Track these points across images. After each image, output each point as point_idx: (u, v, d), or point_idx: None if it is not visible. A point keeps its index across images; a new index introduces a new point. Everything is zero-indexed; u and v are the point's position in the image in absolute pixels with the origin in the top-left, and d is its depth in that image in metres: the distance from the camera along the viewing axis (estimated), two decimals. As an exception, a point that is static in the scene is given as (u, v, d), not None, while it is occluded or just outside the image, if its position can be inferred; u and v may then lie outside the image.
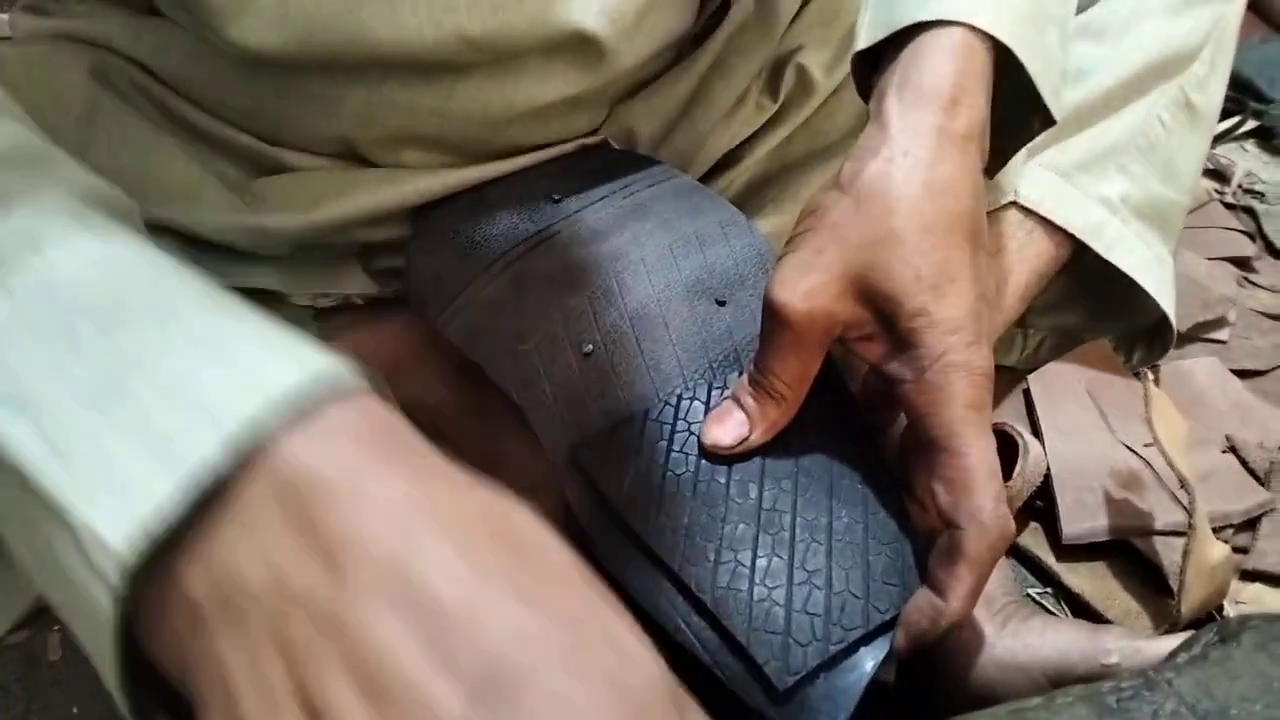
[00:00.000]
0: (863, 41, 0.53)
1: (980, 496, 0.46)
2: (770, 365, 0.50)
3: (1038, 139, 0.68)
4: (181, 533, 0.28)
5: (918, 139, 0.48)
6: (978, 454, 0.46)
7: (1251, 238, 1.04)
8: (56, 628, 0.64)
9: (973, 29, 0.49)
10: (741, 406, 0.51)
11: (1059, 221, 0.69)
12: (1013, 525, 0.47)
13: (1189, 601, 0.59)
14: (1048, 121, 0.54)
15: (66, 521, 0.27)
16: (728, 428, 0.51)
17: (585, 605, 0.28)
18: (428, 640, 0.26)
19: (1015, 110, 0.54)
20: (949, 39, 0.49)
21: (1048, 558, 0.69)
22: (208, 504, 0.28)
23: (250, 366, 0.29)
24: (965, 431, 0.46)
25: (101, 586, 0.27)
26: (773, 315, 0.49)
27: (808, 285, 0.48)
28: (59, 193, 0.34)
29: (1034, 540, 0.70)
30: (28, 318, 0.30)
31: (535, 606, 0.27)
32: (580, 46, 0.61)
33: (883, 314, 0.48)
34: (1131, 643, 0.50)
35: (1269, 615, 0.47)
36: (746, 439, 0.51)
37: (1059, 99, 0.54)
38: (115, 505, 0.27)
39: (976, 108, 0.49)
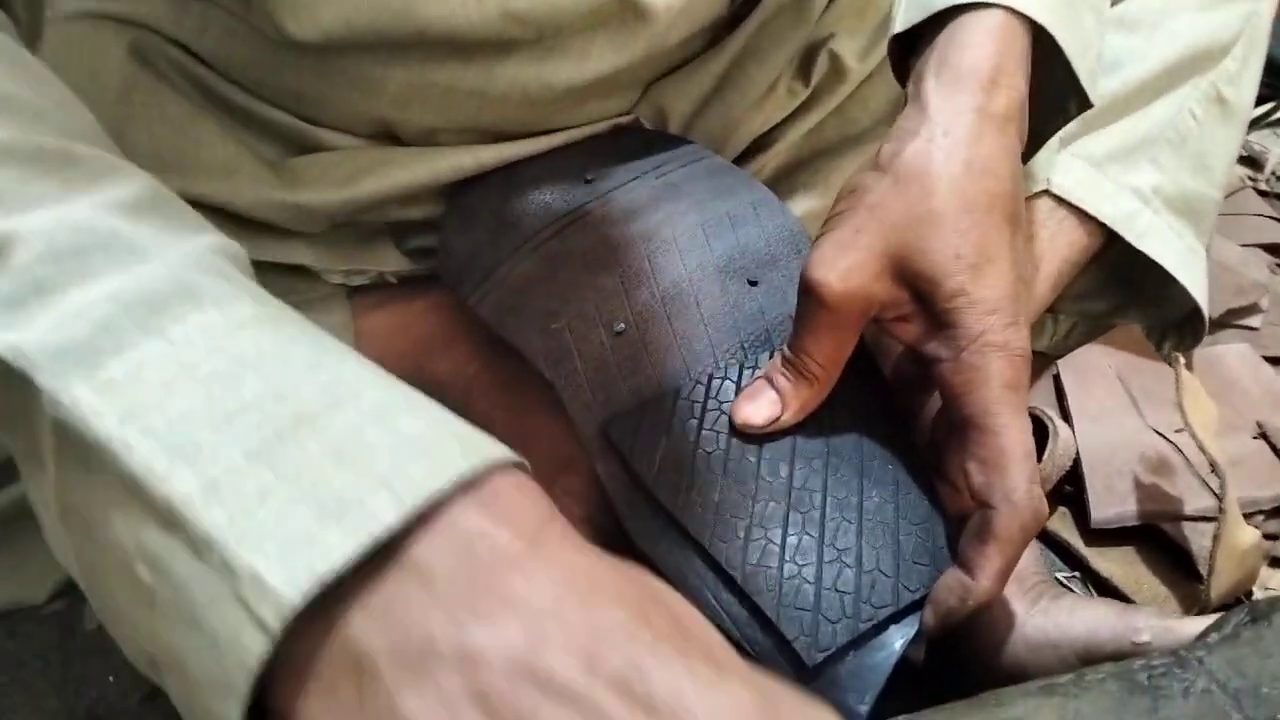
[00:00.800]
0: (900, 24, 0.53)
1: (1014, 476, 0.46)
2: (805, 345, 0.50)
3: (1070, 128, 0.68)
4: (349, 585, 0.28)
5: (957, 118, 0.48)
6: (1013, 433, 0.46)
7: (1284, 225, 1.03)
8: (93, 598, 0.65)
9: (1011, 11, 0.49)
10: (774, 386, 0.51)
11: (1090, 210, 0.69)
12: (1046, 507, 0.47)
13: (1218, 586, 0.59)
14: (1084, 105, 0.54)
15: (225, 563, 0.28)
16: (759, 407, 0.51)
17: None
18: (638, 706, 0.27)
19: (1050, 95, 0.54)
20: (988, 21, 0.49)
21: (1076, 542, 0.69)
22: (376, 559, 0.28)
23: (420, 440, 0.30)
24: (1001, 411, 0.46)
25: (254, 631, 0.27)
26: (809, 294, 0.49)
27: (846, 264, 0.48)
28: (204, 246, 0.34)
29: (1063, 524, 0.70)
30: (189, 365, 0.30)
31: (709, 681, 0.28)
32: (623, 17, 0.61)
33: (920, 294, 0.48)
34: (1162, 622, 0.51)
35: (1301, 598, 0.47)
36: (778, 419, 0.51)
37: (1095, 83, 0.54)
38: (285, 555, 0.27)
39: (1016, 89, 0.49)
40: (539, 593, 0.29)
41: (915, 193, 0.48)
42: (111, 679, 0.61)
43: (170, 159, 0.61)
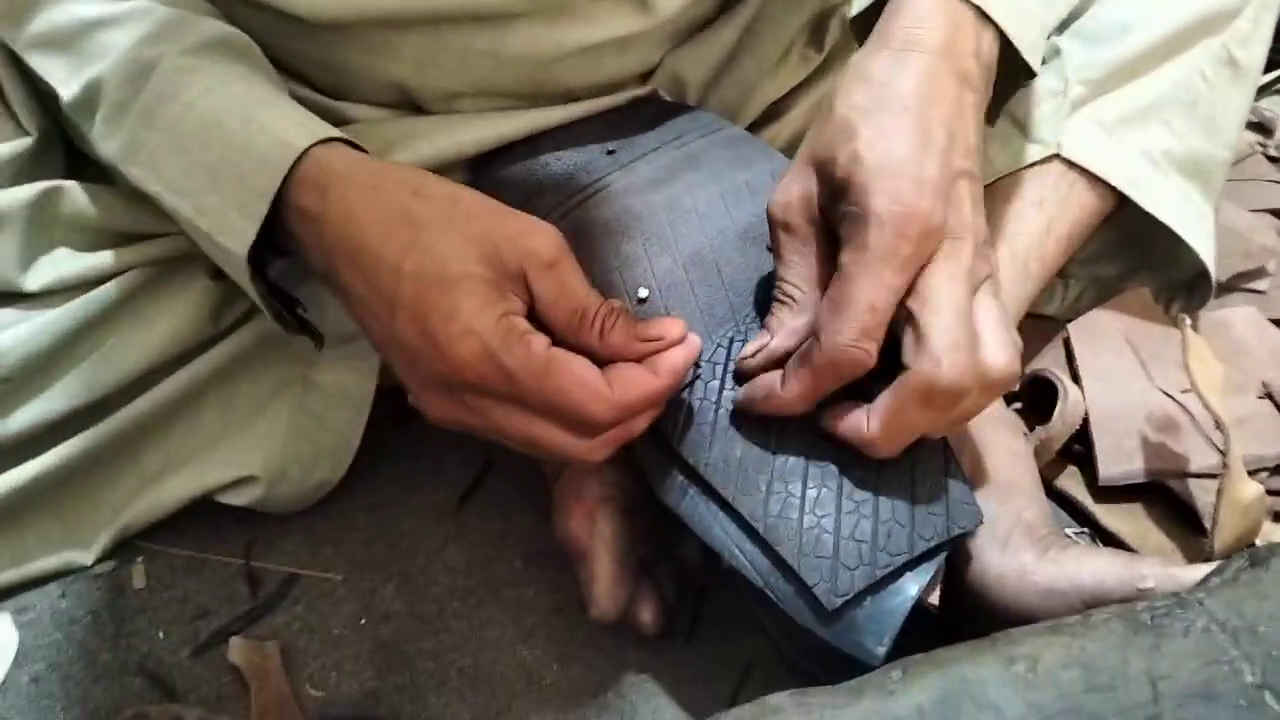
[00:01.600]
0: (855, 9, 0.57)
1: (842, 320, 0.48)
2: (779, 272, 0.53)
3: (1081, 92, 0.70)
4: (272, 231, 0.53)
5: (867, 61, 0.52)
6: (859, 283, 0.47)
7: (1293, 190, 1.04)
8: (140, 559, 0.68)
9: None
10: (765, 326, 0.54)
11: (1101, 174, 0.70)
12: (870, 362, 0.48)
13: (1222, 538, 0.60)
14: (1029, 74, 0.57)
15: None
16: (752, 344, 0.54)
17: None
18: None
19: (1005, 68, 0.56)
20: (916, 1, 0.52)
21: (1085, 499, 0.71)
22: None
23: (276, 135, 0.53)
24: (858, 259, 0.48)
25: (239, 264, 0.54)
26: (768, 221, 0.54)
27: (782, 183, 0.53)
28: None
29: (1072, 482, 0.72)
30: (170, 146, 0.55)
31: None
32: None
33: (831, 178, 0.50)
34: (1166, 570, 0.53)
35: (1298, 545, 0.49)
36: (766, 344, 0.53)
37: (1038, 54, 0.57)
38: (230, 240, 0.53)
39: (936, 29, 0.51)
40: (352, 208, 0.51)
41: (826, 112, 0.52)
42: (161, 635, 0.64)
43: None
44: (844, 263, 0.49)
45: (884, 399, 0.49)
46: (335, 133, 0.54)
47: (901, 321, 0.49)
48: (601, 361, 0.50)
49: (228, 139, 0.53)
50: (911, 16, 0.52)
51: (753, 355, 0.53)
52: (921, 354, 0.47)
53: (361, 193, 0.51)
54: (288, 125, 0.53)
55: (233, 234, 0.53)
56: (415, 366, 0.50)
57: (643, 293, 0.59)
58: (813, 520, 0.51)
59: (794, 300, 0.53)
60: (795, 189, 0.52)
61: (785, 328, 0.53)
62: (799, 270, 0.53)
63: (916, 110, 0.50)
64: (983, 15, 0.52)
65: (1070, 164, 0.70)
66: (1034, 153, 0.71)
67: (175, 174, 0.55)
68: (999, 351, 0.48)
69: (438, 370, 0.48)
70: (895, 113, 0.49)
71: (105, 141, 0.57)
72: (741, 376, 0.55)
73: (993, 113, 0.62)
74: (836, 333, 0.48)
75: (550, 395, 0.48)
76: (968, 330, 0.48)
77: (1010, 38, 0.54)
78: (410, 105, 0.68)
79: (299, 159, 0.52)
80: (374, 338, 0.52)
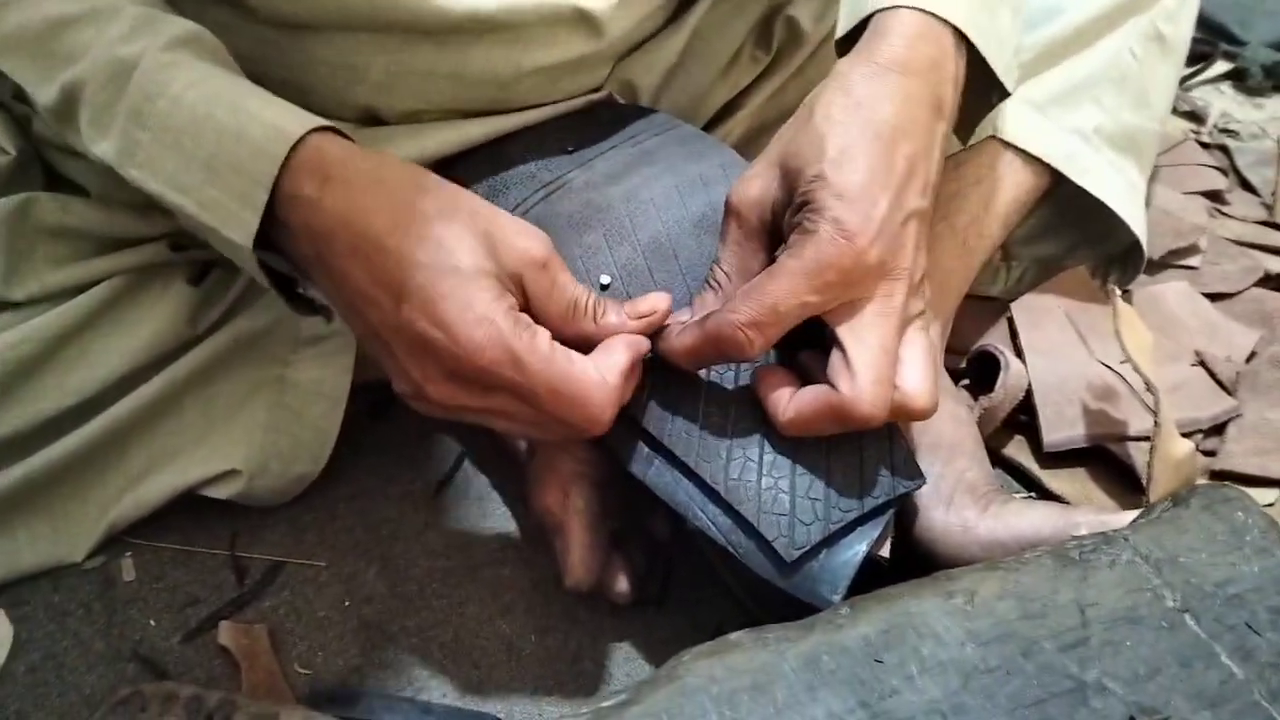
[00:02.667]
0: (840, 31, 0.60)
1: (746, 304, 0.52)
2: (718, 256, 0.57)
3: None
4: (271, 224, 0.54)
5: (850, 71, 0.55)
6: (781, 283, 0.51)
7: (1225, 173, 1.09)
8: (128, 554, 0.70)
9: (924, 12, 0.55)
10: (690, 304, 0.58)
11: (1036, 152, 0.74)
12: (750, 352, 0.52)
13: (1156, 492, 0.64)
14: (1003, 94, 0.61)
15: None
16: (673, 318, 0.57)
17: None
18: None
19: (976, 86, 0.59)
20: (901, 21, 0.55)
21: (1031, 465, 0.75)
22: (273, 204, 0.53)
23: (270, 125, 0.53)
24: (790, 265, 0.51)
25: (246, 255, 0.54)
26: (724, 210, 0.57)
27: (746, 175, 0.56)
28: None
29: (1019, 450, 0.76)
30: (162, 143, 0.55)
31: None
32: (579, 19, 0.67)
33: (794, 189, 0.53)
34: (1098, 517, 0.56)
35: (1215, 484, 0.53)
36: (684, 322, 0.56)
37: (1012, 75, 0.60)
38: (235, 233, 0.53)
39: (919, 57, 0.55)
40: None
41: (803, 116, 0.55)
42: (152, 623, 0.66)
43: None
44: (777, 259, 0.52)
45: (805, 400, 0.53)
46: (326, 122, 0.55)
47: (830, 343, 0.52)
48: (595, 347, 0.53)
49: (220, 130, 0.53)
50: (898, 36, 0.55)
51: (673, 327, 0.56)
52: (847, 382, 0.51)
53: (365, 182, 0.52)
54: (279, 113, 0.54)
55: (236, 226, 0.53)
56: (419, 354, 0.51)
57: (605, 279, 0.62)
58: (770, 481, 0.54)
59: (719, 286, 0.56)
60: (756, 186, 0.55)
61: (707, 309, 0.55)
62: (734, 261, 0.56)
63: (888, 139, 0.53)
64: (961, 37, 0.56)
65: (1006, 144, 0.75)
66: (972, 134, 0.75)
67: (172, 171, 0.55)
68: (919, 384, 0.53)
69: (451, 355, 0.50)
70: (867, 140, 0.52)
71: (96, 145, 0.56)
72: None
73: (967, 129, 0.65)
74: (733, 310, 0.52)
75: (557, 381, 0.51)
76: (890, 365, 0.52)
77: (989, 62, 0.57)
78: (374, 122, 0.71)
79: (295, 146, 0.52)
80: (370, 326, 0.53)
